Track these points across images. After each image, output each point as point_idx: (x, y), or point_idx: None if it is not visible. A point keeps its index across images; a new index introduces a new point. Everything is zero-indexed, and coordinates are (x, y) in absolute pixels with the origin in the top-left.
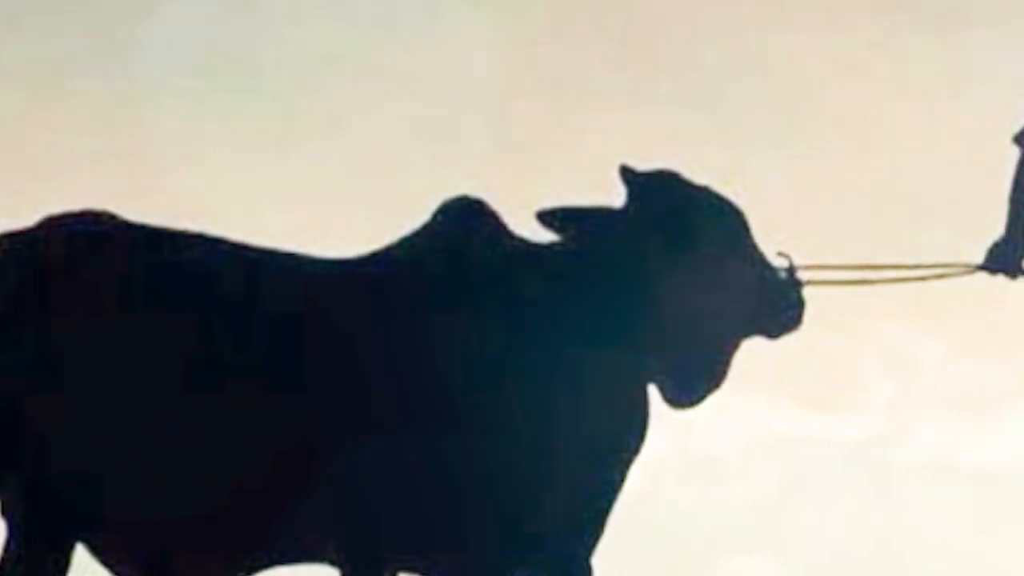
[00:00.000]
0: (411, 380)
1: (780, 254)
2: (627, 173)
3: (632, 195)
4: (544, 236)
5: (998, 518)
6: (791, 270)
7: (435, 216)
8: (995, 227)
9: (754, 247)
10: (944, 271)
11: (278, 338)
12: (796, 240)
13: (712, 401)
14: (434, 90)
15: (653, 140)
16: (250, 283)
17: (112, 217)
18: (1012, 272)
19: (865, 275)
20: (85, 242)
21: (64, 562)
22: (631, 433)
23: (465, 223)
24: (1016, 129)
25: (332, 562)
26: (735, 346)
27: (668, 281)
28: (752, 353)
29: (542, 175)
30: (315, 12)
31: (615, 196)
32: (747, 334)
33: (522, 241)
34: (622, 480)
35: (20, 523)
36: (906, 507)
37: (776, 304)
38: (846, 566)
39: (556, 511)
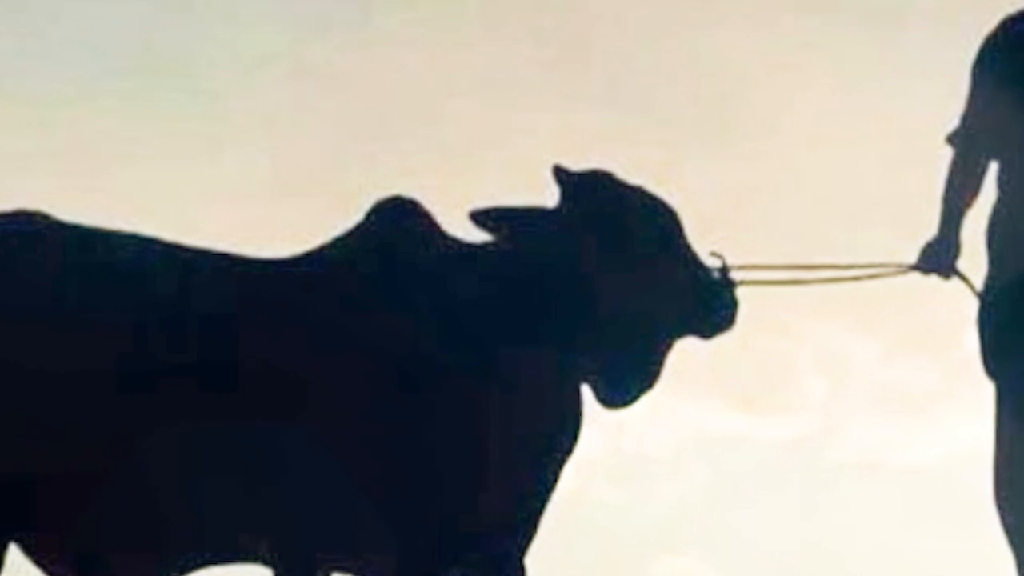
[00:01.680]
0: (344, 380)
1: (713, 254)
2: (560, 173)
3: (565, 195)
4: (477, 236)
5: (929, 517)
6: (724, 270)
7: (368, 216)
8: (928, 227)
9: (687, 247)
10: (877, 271)
11: (210, 338)
12: (729, 240)
13: (645, 401)
14: (367, 90)
15: (586, 140)
16: (183, 283)
17: (45, 217)
18: (945, 272)
19: (798, 275)
20: (18, 241)
21: None
22: (564, 433)
23: (398, 223)
24: (949, 129)
25: (265, 562)
26: (668, 346)
27: (601, 281)
28: (685, 353)
29: (475, 175)
30: (248, 12)
31: (548, 196)
32: (680, 334)
33: (455, 241)
34: (555, 480)
35: None
36: (837, 506)
37: (709, 304)
38: (776, 565)
39: (489, 510)
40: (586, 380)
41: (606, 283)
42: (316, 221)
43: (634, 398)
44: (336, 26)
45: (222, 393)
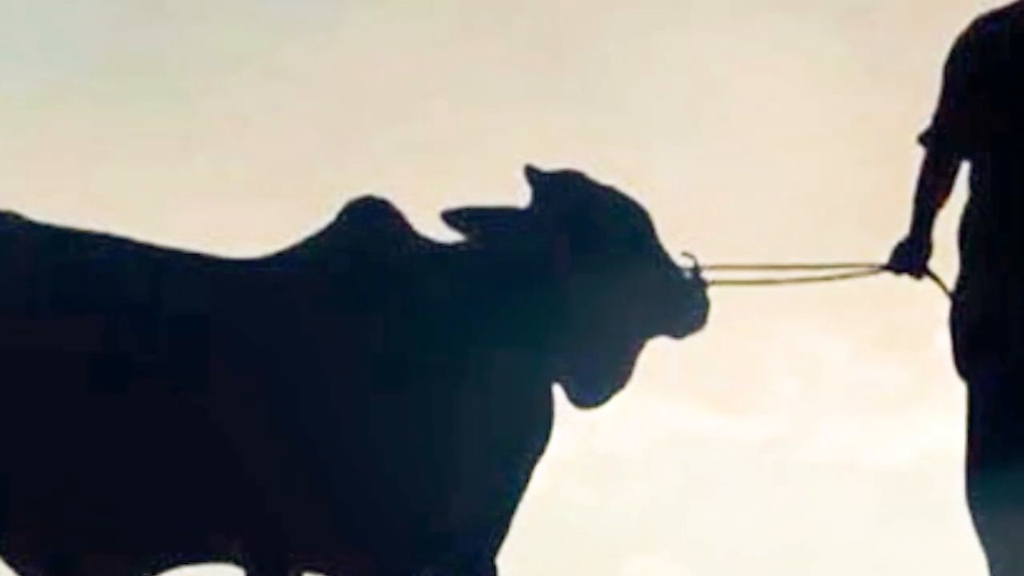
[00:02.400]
0: (315, 380)
1: (685, 254)
2: (532, 173)
3: (537, 195)
4: (449, 236)
5: (901, 516)
6: (696, 270)
7: (340, 216)
8: (900, 227)
9: (659, 247)
10: (849, 271)
11: (182, 338)
12: (701, 240)
13: (617, 401)
14: (339, 90)
15: (558, 139)
16: (155, 283)
17: (17, 217)
18: (917, 272)
19: (770, 275)
20: None
21: None
22: (536, 433)
23: (370, 223)
24: (921, 129)
25: (237, 562)
26: (640, 346)
27: (573, 281)
28: (657, 353)
29: (447, 175)
30: (219, 13)
31: (520, 196)
32: (652, 334)
33: (427, 241)
34: (527, 480)
35: None
36: (810, 506)
37: (681, 304)
38: (749, 566)
39: (461, 511)
40: (558, 380)
41: (578, 283)
42: (288, 221)
43: (606, 398)
44: (308, 26)
45: (193, 393)
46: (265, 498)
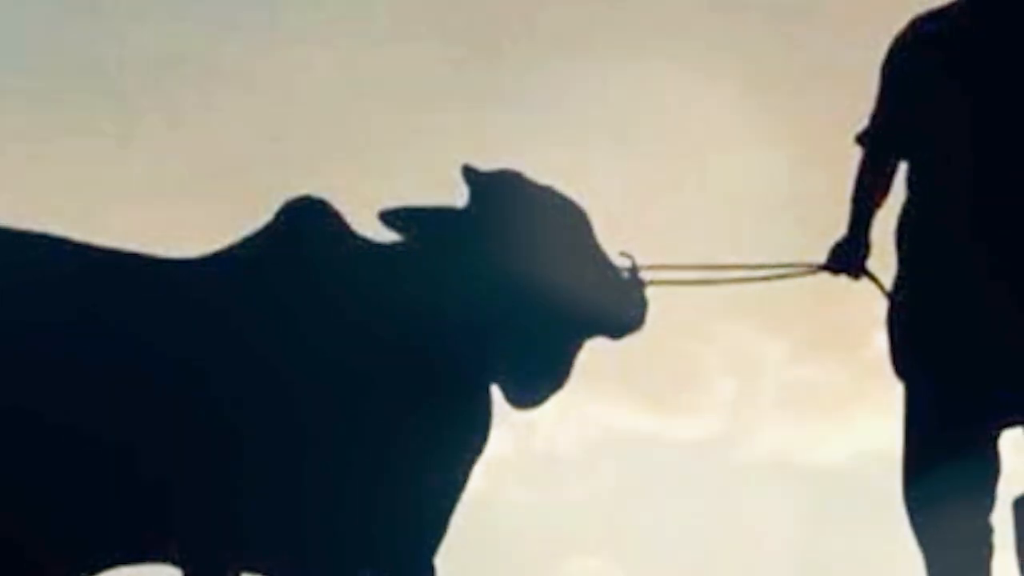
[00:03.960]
0: (252, 380)
1: (622, 254)
2: (469, 173)
3: (474, 195)
4: (387, 236)
5: (839, 517)
6: (633, 270)
7: (278, 216)
8: (837, 227)
9: (596, 247)
10: (787, 271)
11: (120, 337)
12: (639, 240)
13: (554, 401)
14: (276, 91)
15: (495, 140)
16: (93, 283)
17: None
18: (854, 272)
19: (708, 275)
20: None
21: None
22: (474, 433)
23: (308, 222)
24: (859, 129)
25: (174, 562)
26: (578, 346)
27: (510, 281)
28: (594, 353)
29: (384, 175)
30: (157, 12)
31: (458, 196)
32: (590, 334)
33: (365, 241)
34: (465, 480)
35: None
36: (747, 506)
37: (619, 304)
38: (687, 565)
39: (398, 511)
40: (495, 380)
41: (515, 283)
42: (226, 221)
43: (543, 398)
44: (245, 27)
45: (129, 393)
46: (200, 499)
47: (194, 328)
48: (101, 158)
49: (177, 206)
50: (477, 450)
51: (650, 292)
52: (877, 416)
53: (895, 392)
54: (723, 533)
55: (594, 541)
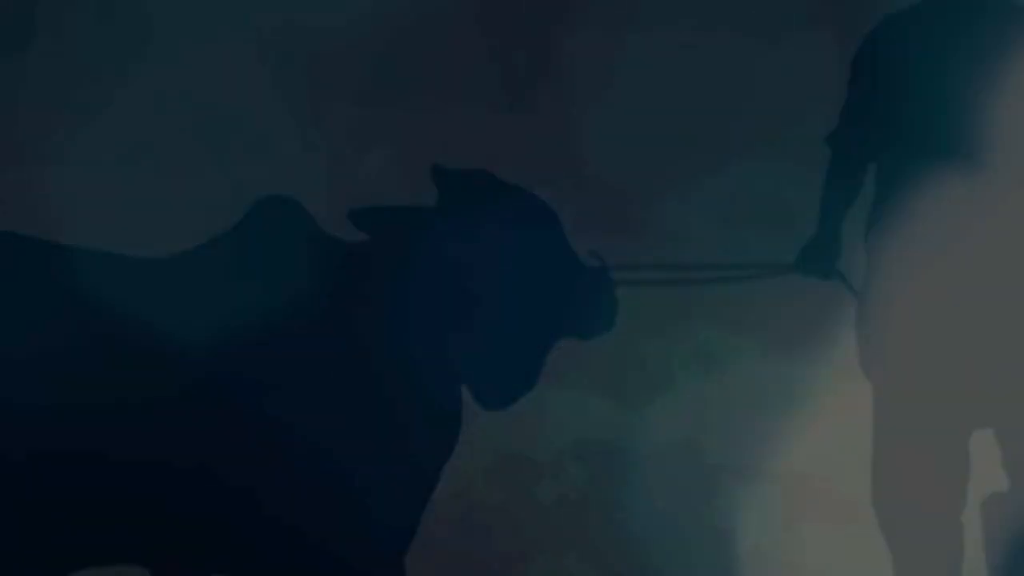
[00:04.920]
0: (224, 382)
1: (592, 253)
2: (439, 172)
3: (443, 195)
4: (357, 236)
5: (809, 517)
6: (603, 270)
7: (248, 215)
8: (807, 227)
9: (566, 247)
10: (757, 271)
11: (90, 337)
12: (608, 240)
13: (523, 402)
14: (247, 89)
15: (465, 139)
16: (62, 281)
17: None
18: (824, 272)
19: (678, 275)
20: None
21: None
22: (443, 434)
23: (278, 222)
24: (828, 130)
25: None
26: (547, 347)
27: (480, 282)
28: (564, 353)
29: (355, 174)
30: None
31: (427, 195)
32: (559, 334)
33: (335, 240)
34: (434, 481)
35: None
36: (718, 507)
37: (588, 304)
38: (657, 567)
39: (368, 511)
40: (464, 381)
41: (484, 284)
42: (200, 218)
43: (512, 399)
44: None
45: (98, 392)
46: (158, 502)
47: (163, 328)
48: (71, 158)
49: (146, 206)
50: (446, 451)
51: (620, 292)
52: (846, 416)
53: (865, 392)
54: (692, 534)
55: (562, 542)
